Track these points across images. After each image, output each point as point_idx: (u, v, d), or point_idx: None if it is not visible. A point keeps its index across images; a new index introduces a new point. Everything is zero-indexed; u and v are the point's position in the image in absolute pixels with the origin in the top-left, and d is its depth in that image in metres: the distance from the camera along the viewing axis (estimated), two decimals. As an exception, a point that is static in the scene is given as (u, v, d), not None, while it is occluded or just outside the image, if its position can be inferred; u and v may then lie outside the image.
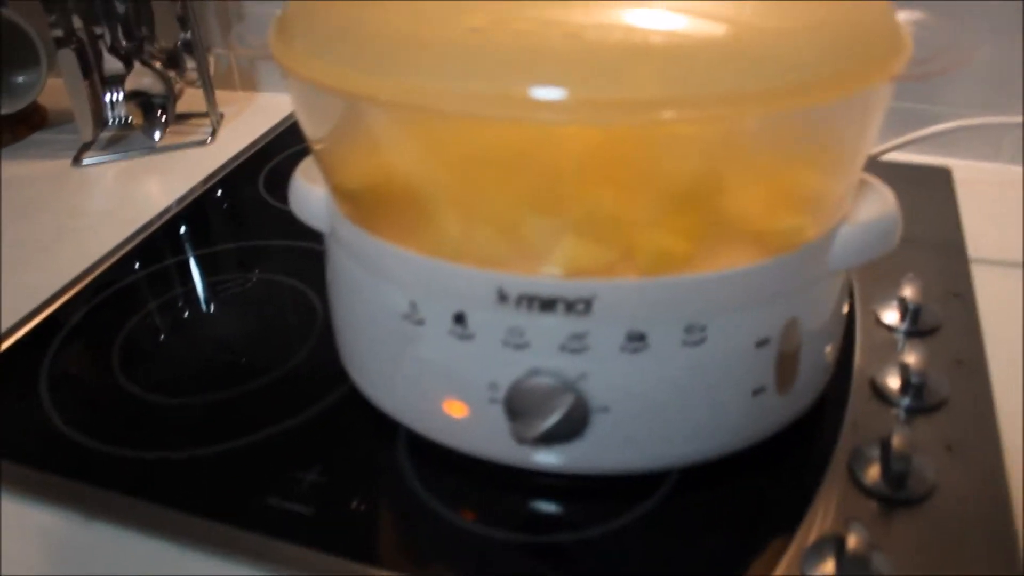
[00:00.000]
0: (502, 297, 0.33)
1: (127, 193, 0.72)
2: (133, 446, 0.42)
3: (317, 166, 0.40)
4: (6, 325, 0.53)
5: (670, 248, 0.32)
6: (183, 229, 0.65)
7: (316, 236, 0.42)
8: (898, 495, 0.37)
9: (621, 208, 0.32)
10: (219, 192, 0.71)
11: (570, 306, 0.32)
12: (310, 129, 0.38)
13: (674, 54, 0.29)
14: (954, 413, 0.42)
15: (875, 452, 0.39)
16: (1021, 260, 0.56)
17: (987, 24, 0.63)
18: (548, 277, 0.32)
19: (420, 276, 0.35)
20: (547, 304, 0.32)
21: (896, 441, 0.38)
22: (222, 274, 0.58)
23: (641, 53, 0.29)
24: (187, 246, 0.62)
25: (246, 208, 0.68)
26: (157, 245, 0.63)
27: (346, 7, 0.35)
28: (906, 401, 0.42)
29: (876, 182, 0.38)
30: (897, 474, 0.37)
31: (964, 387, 0.43)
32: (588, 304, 0.32)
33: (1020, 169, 0.68)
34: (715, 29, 0.30)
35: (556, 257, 0.32)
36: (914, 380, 0.42)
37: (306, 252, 0.59)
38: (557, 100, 0.28)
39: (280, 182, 0.71)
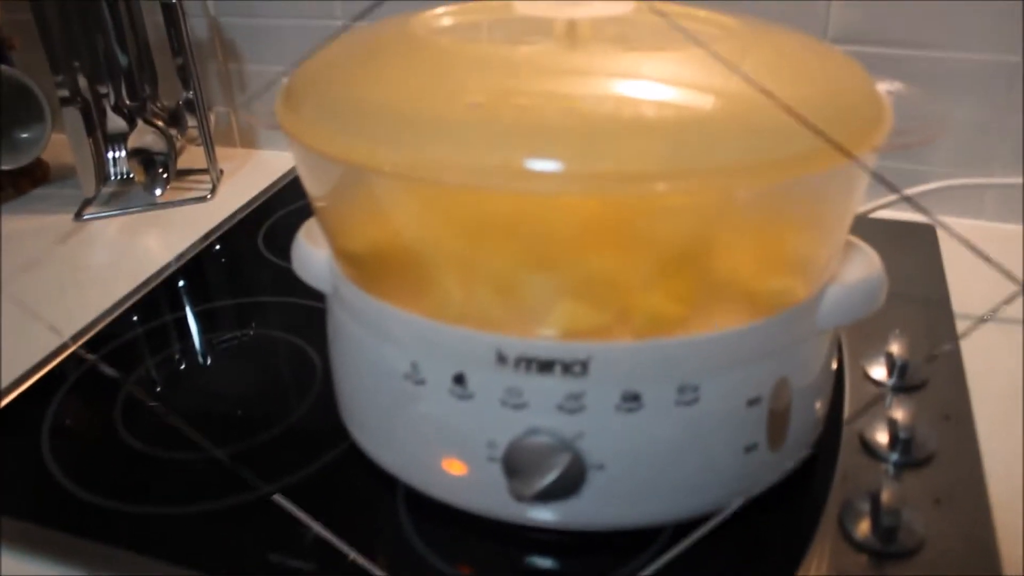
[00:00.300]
0: (501, 359, 0.34)
1: (128, 248, 0.73)
2: (135, 501, 0.43)
3: (320, 228, 0.42)
4: (8, 380, 0.53)
5: (664, 311, 0.33)
6: (183, 284, 0.66)
7: (315, 293, 0.43)
8: (888, 549, 0.38)
9: (616, 273, 0.33)
10: (219, 248, 0.72)
11: (567, 367, 0.33)
12: (314, 193, 0.39)
13: (667, 128, 0.30)
14: (942, 467, 0.43)
15: (865, 506, 0.40)
16: (1006, 315, 0.57)
17: (968, 86, 0.65)
18: (545, 339, 0.33)
19: (421, 338, 0.36)
20: (545, 365, 0.34)
21: (885, 496, 0.39)
22: (222, 330, 0.59)
23: (635, 127, 0.30)
24: (187, 302, 0.63)
25: (245, 264, 0.69)
26: (157, 300, 0.63)
27: (352, 79, 0.36)
28: (895, 456, 0.43)
29: (862, 244, 0.39)
30: (887, 528, 0.38)
31: (951, 441, 0.44)
32: (584, 365, 0.33)
33: (1002, 226, 0.70)
34: (706, 103, 0.32)
35: (553, 320, 0.33)
36: (902, 435, 0.43)
37: (305, 309, 0.60)
38: (553, 172, 0.29)
39: (279, 239, 0.72)
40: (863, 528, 0.39)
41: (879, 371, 0.50)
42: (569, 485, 0.36)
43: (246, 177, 0.87)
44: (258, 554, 0.39)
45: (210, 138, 0.83)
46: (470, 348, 0.34)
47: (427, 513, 0.41)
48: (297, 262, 0.43)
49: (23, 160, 0.82)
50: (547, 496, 0.35)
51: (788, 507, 0.40)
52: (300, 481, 0.44)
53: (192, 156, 0.85)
